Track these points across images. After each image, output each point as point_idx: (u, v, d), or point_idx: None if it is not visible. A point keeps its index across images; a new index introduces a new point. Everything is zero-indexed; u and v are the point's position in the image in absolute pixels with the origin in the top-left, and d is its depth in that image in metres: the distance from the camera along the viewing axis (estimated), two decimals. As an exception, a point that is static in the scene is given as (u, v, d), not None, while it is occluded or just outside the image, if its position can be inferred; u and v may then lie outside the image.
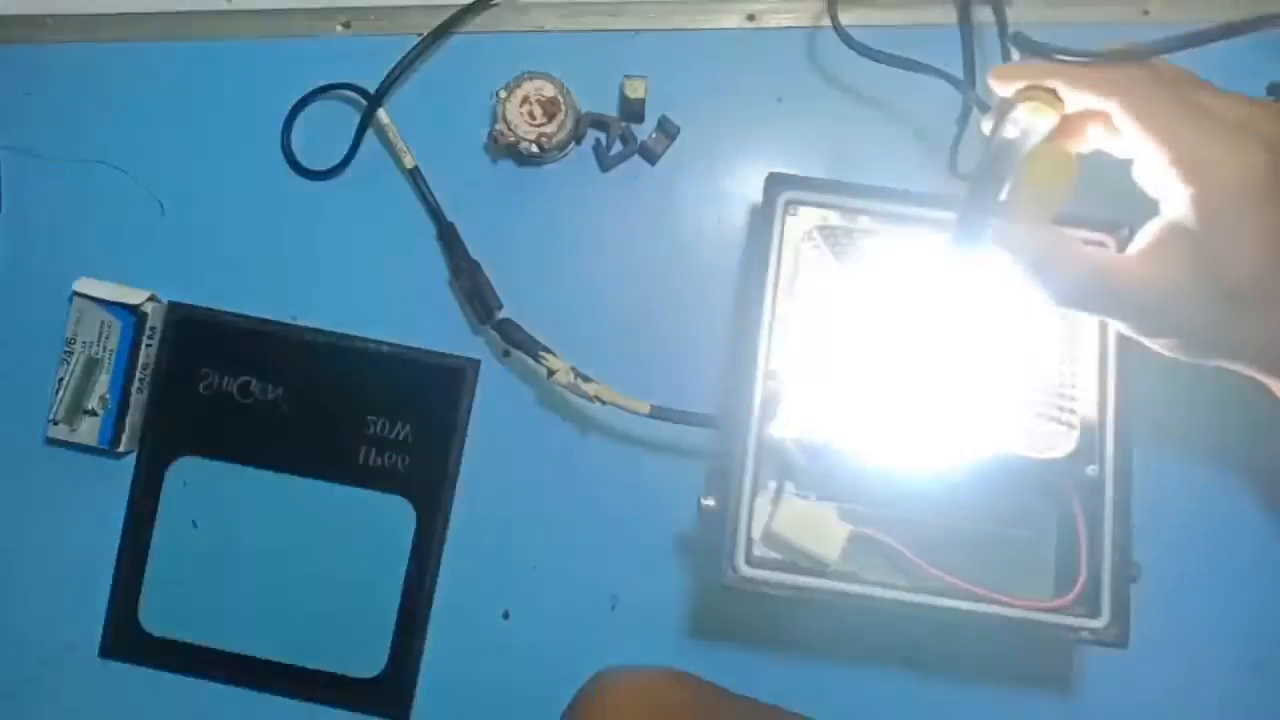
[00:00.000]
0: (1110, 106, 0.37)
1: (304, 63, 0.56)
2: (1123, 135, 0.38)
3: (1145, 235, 0.39)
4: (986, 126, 0.41)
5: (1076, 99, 0.38)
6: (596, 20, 0.56)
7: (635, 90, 0.53)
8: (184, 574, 0.54)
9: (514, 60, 0.54)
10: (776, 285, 0.48)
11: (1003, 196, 0.40)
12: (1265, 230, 0.35)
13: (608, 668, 0.51)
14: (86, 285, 0.54)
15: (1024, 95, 0.38)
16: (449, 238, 0.54)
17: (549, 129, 0.53)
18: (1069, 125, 0.40)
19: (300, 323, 0.55)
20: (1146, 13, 0.54)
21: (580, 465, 0.53)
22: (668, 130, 0.55)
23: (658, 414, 0.50)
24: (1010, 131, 0.39)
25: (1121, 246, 0.46)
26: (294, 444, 0.54)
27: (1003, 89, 0.39)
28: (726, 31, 0.56)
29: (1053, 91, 0.38)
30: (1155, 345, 0.40)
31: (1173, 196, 0.37)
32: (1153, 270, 0.37)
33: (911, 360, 0.52)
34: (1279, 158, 0.36)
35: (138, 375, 0.54)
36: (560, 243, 0.55)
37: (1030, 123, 0.38)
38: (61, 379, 0.53)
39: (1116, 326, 0.41)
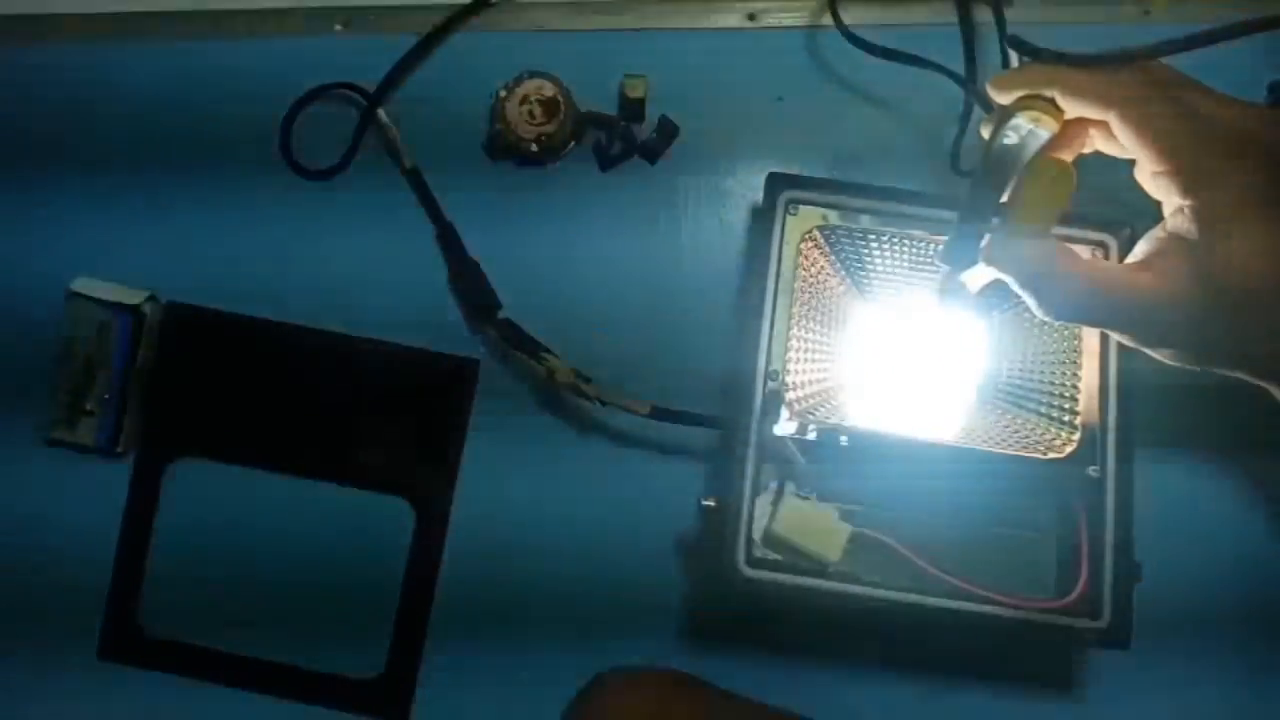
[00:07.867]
0: (1109, 117, 0.37)
1: (304, 63, 0.56)
2: (1122, 144, 0.38)
3: (1145, 245, 0.39)
4: (985, 132, 0.41)
5: (1075, 108, 0.38)
6: (596, 20, 0.56)
7: (635, 90, 0.53)
8: (183, 575, 0.53)
9: (514, 60, 0.54)
10: (776, 285, 0.48)
11: (1003, 199, 0.40)
12: (1266, 241, 0.35)
13: (608, 668, 0.51)
14: (85, 285, 0.53)
15: (1023, 104, 0.38)
16: (448, 238, 0.54)
17: (549, 129, 0.53)
18: (1068, 131, 0.39)
19: (300, 323, 0.54)
20: (1147, 13, 0.54)
21: (580, 465, 0.53)
22: (668, 130, 0.55)
23: (658, 414, 0.50)
24: (1009, 139, 0.39)
25: (1123, 246, 0.46)
26: (293, 444, 0.54)
27: (1001, 97, 0.39)
28: (726, 31, 0.56)
29: (1052, 101, 0.38)
30: (1156, 355, 0.39)
31: (1173, 207, 0.37)
32: (1153, 281, 0.37)
33: (912, 359, 0.52)
34: (1278, 167, 0.35)
35: (136, 375, 0.54)
36: (560, 243, 0.55)
37: (1029, 131, 0.38)
38: (60, 379, 0.53)
39: (1116, 337, 0.41)
